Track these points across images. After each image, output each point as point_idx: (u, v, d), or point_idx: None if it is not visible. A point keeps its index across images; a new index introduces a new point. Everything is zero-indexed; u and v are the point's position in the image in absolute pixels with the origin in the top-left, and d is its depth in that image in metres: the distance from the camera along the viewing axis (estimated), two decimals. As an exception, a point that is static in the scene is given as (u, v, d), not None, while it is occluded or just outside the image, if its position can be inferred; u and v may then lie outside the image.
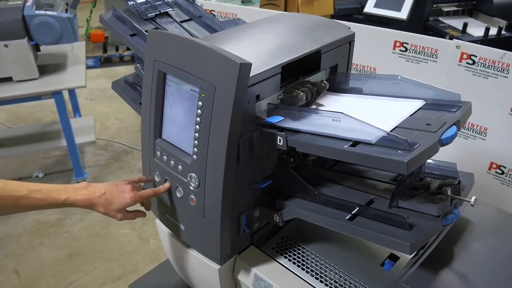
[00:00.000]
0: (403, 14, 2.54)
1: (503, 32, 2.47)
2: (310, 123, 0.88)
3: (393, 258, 1.02)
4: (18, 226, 2.46)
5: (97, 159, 3.11)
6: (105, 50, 4.55)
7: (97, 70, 4.41)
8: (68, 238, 2.40)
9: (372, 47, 1.69)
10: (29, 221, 2.49)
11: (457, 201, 0.86)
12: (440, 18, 2.73)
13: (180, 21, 1.22)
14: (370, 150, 0.78)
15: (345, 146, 0.80)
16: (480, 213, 1.02)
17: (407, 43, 1.64)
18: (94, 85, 4.04)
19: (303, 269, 1.01)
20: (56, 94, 2.43)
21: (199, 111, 0.88)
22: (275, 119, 0.91)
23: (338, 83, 1.10)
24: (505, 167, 1.55)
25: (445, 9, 2.73)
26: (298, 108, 0.94)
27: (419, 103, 0.95)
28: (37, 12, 2.26)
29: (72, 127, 2.59)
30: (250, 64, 0.82)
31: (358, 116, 0.83)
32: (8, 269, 2.22)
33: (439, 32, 2.57)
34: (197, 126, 0.89)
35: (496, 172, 1.57)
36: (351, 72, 1.17)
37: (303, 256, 1.04)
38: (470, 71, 1.52)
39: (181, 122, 0.95)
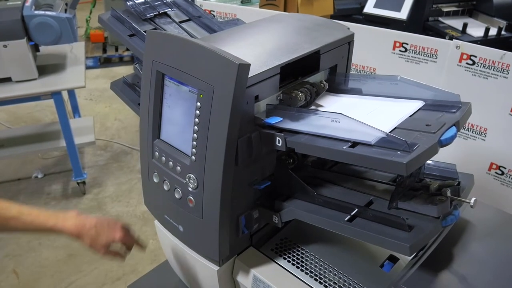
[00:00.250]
0: (403, 14, 2.54)
1: (503, 32, 2.46)
2: (309, 124, 0.88)
3: (393, 259, 1.01)
4: (17, 226, 2.46)
5: (97, 159, 3.11)
6: (104, 51, 4.55)
7: (96, 70, 4.41)
8: (67, 239, 2.39)
9: (371, 47, 1.69)
10: (29, 222, 2.49)
11: (456, 202, 0.86)
12: (440, 19, 2.73)
13: (179, 22, 1.22)
14: (369, 151, 0.77)
15: (344, 147, 0.80)
16: (480, 214, 1.02)
17: (407, 44, 1.64)
18: (93, 86, 4.04)
19: (302, 270, 1.00)
20: (55, 95, 2.43)
21: (197, 111, 0.87)
22: (274, 120, 0.90)
23: (338, 83, 1.10)
24: (505, 168, 1.54)
25: (445, 10, 2.73)
26: (297, 109, 0.94)
27: (419, 104, 0.94)
28: (36, 12, 2.25)
29: (71, 128, 2.58)
30: (249, 65, 0.82)
31: (358, 117, 0.83)
32: (8, 269, 2.21)
33: (439, 32, 2.57)
34: (196, 127, 0.88)
35: (496, 173, 1.57)
36: (351, 72, 1.16)
37: (302, 257, 1.04)
38: (470, 71, 1.51)
39: (179, 123, 0.94)
